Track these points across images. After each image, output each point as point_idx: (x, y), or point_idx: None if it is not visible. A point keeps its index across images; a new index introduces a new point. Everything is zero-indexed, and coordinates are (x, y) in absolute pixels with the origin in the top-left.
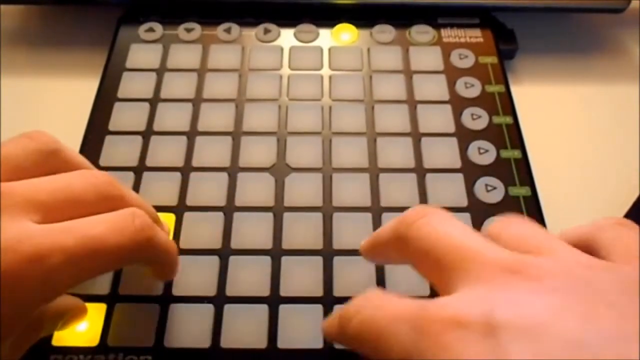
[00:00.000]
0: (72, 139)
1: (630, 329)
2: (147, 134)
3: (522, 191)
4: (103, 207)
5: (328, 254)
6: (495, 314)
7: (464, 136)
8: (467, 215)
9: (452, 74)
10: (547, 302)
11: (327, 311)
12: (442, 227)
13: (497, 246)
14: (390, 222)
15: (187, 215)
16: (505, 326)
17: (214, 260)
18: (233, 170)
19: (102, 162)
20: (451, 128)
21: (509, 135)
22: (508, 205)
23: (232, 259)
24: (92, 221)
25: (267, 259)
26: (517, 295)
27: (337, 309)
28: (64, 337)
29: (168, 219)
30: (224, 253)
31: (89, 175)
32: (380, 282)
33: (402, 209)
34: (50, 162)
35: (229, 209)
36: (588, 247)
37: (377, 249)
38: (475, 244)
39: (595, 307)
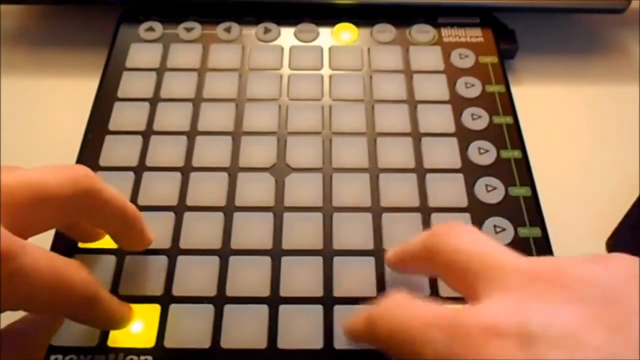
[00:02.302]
0: (72, 139)
1: None
2: (147, 133)
3: (523, 191)
4: (81, 203)
5: (328, 254)
6: (531, 324)
7: (464, 136)
8: (467, 215)
9: (452, 73)
10: (576, 311)
11: (327, 311)
12: (468, 239)
13: (522, 255)
14: (417, 236)
15: (187, 215)
16: (541, 336)
17: (214, 260)
18: (233, 170)
19: (102, 162)
20: (451, 128)
21: (509, 135)
22: (508, 205)
23: (232, 259)
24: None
25: (267, 259)
26: (549, 304)
27: (361, 308)
28: (63, 337)
29: (168, 219)
30: (224, 253)
31: (65, 168)
32: (380, 282)
33: (402, 209)
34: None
35: (229, 209)
36: None
37: (405, 261)
38: (502, 253)
39: (622, 317)
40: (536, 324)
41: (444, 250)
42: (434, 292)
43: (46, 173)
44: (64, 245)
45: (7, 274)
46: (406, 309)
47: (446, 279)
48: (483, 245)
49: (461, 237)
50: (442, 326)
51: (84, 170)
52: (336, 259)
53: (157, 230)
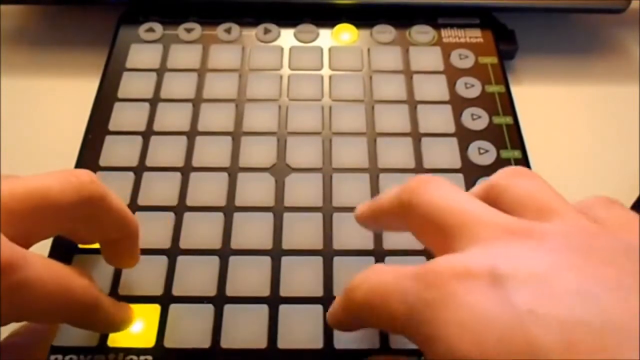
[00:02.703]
0: (72, 139)
1: (629, 282)
2: (147, 134)
3: None
4: (85, 211)
5: (328, 254)
6: (499, 266)
7: (464, 136)
8: None
9: (452, 74)
10: (547, 258)
11: (326, 311)
12: (443, 193)
13: (498, 211)
14: (391, 190)
15: (187, 215)
16: (509, 276)
17: (214, 260)
18: (233, 171)
19: (102, 162)
20: (451, 128)
21: (509, 135)
22: None
23: (232, 259)
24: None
25: (267, 259)
26: (519, 251)
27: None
28: (63, 337)
29: (168, 219)
30: (224, 253)
31: (68, 174)
32: None
33: None
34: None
35: (229, 209)
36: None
37: (377, 216)
38: (477, 208)
39: (594, 264)
40: (505, 266)
41: (419, 204)
42: None
43: (50, 180)
44: (64, 246)
45: (8, 287)
46: (381, 272)
47: (420, 235)
48: (459, 200)
49: (437, 191)
50: (414, 275)
51: (89, 177)
52: (336, 259)
53: (157, 230)
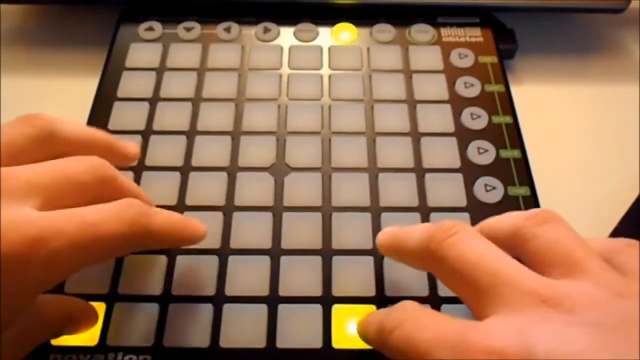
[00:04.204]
0: None
1: None
2: (147, 133)
3: (522, 191)
4: (100, 189)
5: (327, 253)
6: (535, 348)
7: (464, 136)
8: (466, 215)
9: (451, 73)
10: (582, 336)
11: (326, 311)
12: (473, 247)
13: (528, 271)
14: (416, 231)
15: (187, 215)
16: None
17: (213, 259)
18: (232, 170)
19: None
20: (450, 128)
21: (508, 135)
22: (507, 205)
23: (232, 258)
24: (91, 209)
25: (267, 259)
26: (554, 328)
27: (374, 312)
28: (63, 337)
29: None
30: (223, 253)
31: (85, 159)
32: (380, 282)
33: (401, 209)
34: (48, 144)
35: (228, 209)
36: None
37: (399, 253)
38: (508, 269)
39: (628, 341)
40: (540, 347)
41: (449, 257)
42: (433, 293)
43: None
44: None
45: (41, 261)
46: (418, 324)
47: (448, 284)
48: (490, 257)
49: (467, 244)
50: (449, 345)
51: (100, 160)
52: (335, 259)
53: None
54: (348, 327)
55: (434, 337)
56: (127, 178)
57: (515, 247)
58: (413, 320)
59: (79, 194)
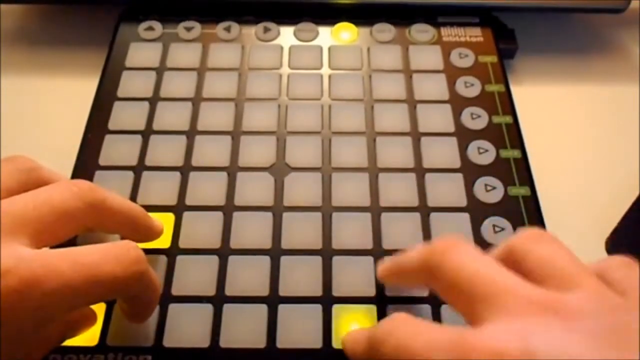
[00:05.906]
0: (72, 139)
1: None
2: (147, 133)
3: (522, 191)
4: (89, 213)
5: (327, 253)
6: (535, 351)
7: (464, 136)
8: (466, 215)
9: (451, 73)
10: (581, 342)
11: (326, 311)
12: (471, 260)
13: (525, 281)
14: (414, 252)
15: (187, 215)
16: None
17: (213, 259)
18: (232, 170)
19: (102, 161)
20: (451, 127)
21: (508, 135)
22: (507, 205)
23: (232, 258)
24: (87, 249)
25: (267, 259)
26: (554, 334)
27: (358, 329)
28: None
29: (167, 219)
30: (223, 253)
31: (68, 184)
32: (379, 283)
33: (401, 209)
34: (32, 179)
35: (228, 209)
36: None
37: (400, 276)
38: (506, 279)
39: (623, 350)
40: (540, 351)
41: (447, 270)
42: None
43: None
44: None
45: (10, 291)
46: (410, 332)
47: (446, 297)
48: (487, 269)
49: (464, 257)
50: (446, 349)
51: (87, 185)
52: (335, 259)
53: None
54: (348, 327)
55: (428, 342)
56: (117, 196)
57: (511, 264)
58: (405, 328)
59: (68, 223)
